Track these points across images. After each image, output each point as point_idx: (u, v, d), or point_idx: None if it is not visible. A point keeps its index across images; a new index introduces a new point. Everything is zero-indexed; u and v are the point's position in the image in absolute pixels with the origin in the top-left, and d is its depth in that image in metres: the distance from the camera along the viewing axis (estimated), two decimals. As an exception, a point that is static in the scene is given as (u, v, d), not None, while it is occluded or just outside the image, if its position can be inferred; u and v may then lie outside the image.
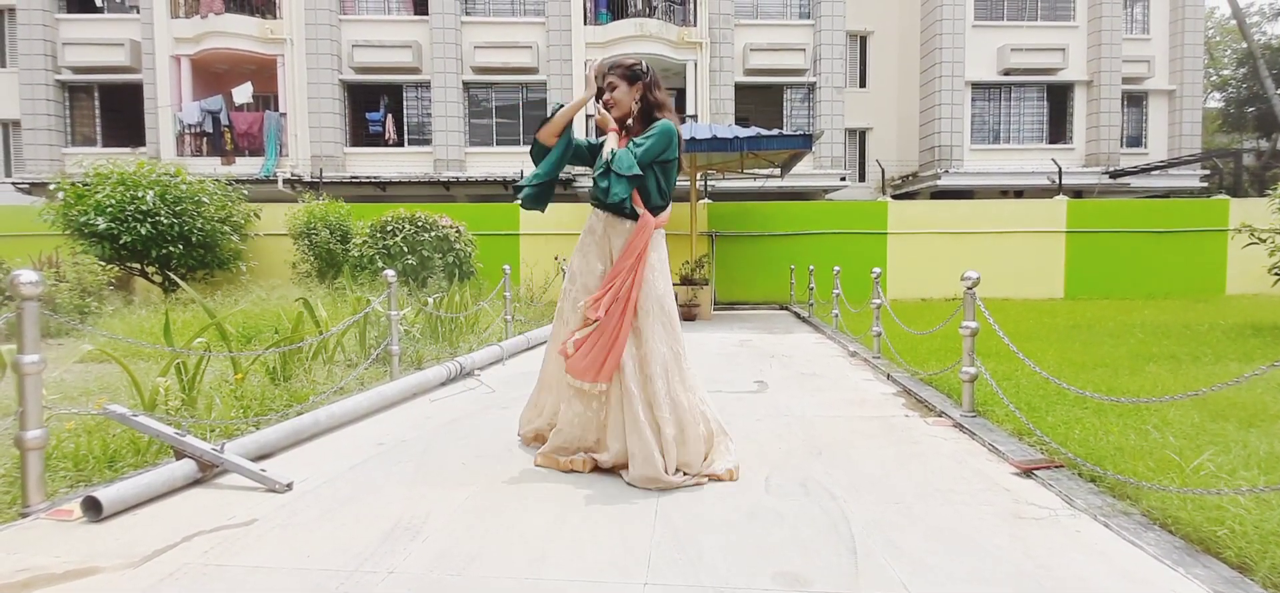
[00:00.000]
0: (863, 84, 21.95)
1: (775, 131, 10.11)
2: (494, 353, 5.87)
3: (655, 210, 2.92)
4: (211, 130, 17.86)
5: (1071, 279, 12.70)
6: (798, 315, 10.20)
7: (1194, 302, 11.02)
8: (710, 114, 18.07)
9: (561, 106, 2.97)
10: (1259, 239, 7.74)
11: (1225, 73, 31.37)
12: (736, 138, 9.39)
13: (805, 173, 17.86)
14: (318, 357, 4.75)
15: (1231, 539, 2.05)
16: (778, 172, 12.24)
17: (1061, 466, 2.85)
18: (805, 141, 9.81)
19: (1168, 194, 19.34)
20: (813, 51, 19.03)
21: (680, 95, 19.75)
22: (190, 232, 9.98)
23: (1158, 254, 12.62)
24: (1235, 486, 2.40)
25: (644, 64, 2.99)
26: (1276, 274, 7.52)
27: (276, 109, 18.24)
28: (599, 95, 2.99)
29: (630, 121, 2.95)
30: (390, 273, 5.03)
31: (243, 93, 17.77)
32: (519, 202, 3.08)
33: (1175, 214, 12.87)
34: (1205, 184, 20.51)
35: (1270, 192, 7.75)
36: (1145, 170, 19.25)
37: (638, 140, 2.86)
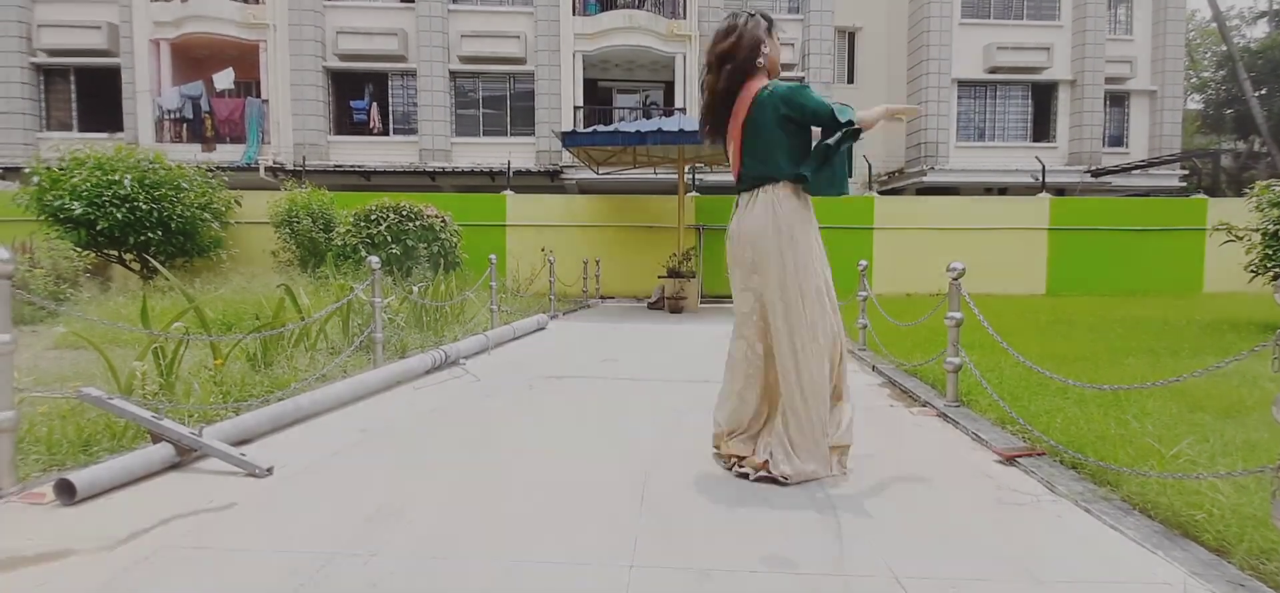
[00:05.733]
0: (851, 80, 22.03)
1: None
2: (479, 342, 5.83)
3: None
4: (191, 116, 17.57)
5: (1054, 275, 12.86)
6: (784, 309, 10.21)
7: (1173, 298, 11.21)
8: (699, 107, 18.02)
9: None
10: (1236, 237, 7.88)
11: (1205, 75, 31.89)
12: (725, 130, 9.34)
13: (793, 168, 17.86)
14: (300, 343, 4.69)
15: (1209, 523, 2.08)
16: (765, 165, 12.23)
17: (1043, 453, 2.88)
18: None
19: (1148, 193, 19.61)
20: (802, 46, 19.05)
21: (668, 88, 19.72)
22: (169, 218, 9.80)
23: (1138, 252, 12.81)
24: (1213, 472, 2.43)
25: None
26: (1253, 272, 7.65)
27: (258, 96, 17.97)
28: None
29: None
30: (374, 260, 4.97)
31: (224, 79, 17.48)
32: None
33: (1155, 213, 13.07)
34: (1184, 184, 20.83)
35: (1248, 191, 7.88)
36: (1126, 169, 19.51)
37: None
